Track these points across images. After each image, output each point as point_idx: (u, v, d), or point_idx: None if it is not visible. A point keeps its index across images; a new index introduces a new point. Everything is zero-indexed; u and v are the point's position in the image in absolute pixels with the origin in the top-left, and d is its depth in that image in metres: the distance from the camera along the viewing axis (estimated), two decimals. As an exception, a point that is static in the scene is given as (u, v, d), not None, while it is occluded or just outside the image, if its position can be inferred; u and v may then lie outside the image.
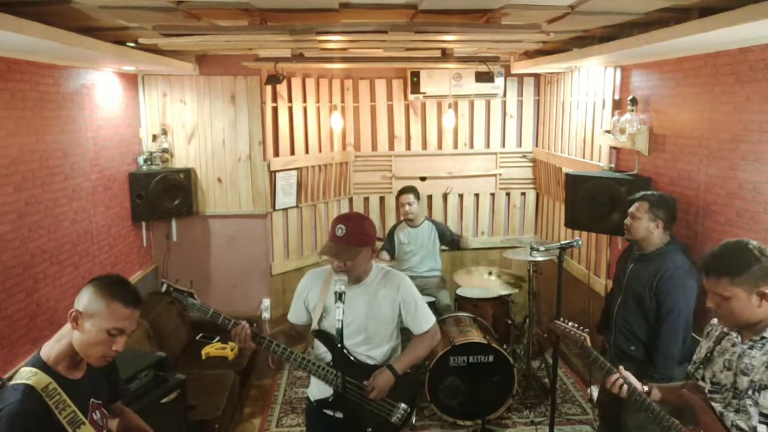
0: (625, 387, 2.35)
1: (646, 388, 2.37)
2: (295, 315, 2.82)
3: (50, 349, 1.89)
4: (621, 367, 2.40)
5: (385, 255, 5.11)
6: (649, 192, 3.35)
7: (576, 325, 2.67)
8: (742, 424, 2.01)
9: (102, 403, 2.03)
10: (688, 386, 2.30)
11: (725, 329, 2.17)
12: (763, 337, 2.00)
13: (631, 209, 3.24)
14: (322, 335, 2.68)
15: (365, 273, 2.68)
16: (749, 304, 1.95)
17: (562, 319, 2.74)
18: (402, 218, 5.27)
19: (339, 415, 2.68)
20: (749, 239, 2.03)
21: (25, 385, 1.79)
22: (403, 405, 2.72)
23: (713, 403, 2.13)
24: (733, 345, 2.10)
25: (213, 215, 5.30)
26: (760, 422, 1.96)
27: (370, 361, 2.69)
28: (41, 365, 1.85)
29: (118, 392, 2.22)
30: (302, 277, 2.87)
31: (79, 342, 1.86)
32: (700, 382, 2.23)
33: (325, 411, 2.70)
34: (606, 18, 3.08)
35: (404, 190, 5.14)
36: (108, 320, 1.84)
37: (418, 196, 5.14)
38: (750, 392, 1.99)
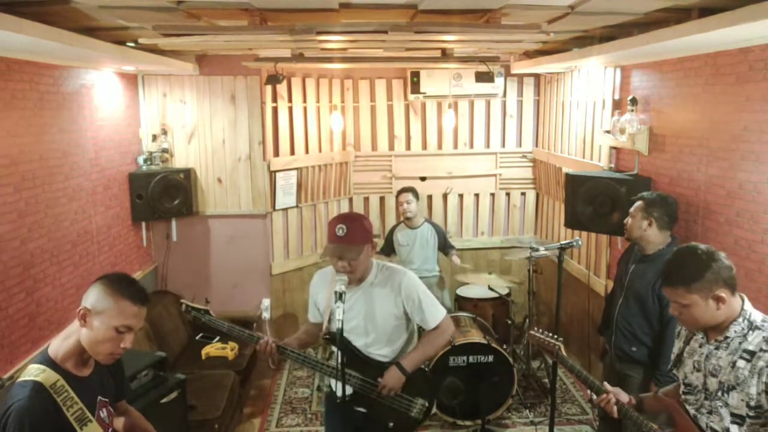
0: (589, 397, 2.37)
1: (634, 401, 2.38)
2: (312, 315, 2.92)
3: (58, 346, 1.90)
4: (605, 383, 2.42)
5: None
6: (649, 192, 3.37)
7: (550, 334, 2.68)
8: (716, 426, 2.03)
9: (109, 401, 2.04)
10: (674, 387, 2.32)
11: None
12: (726, 337, 2.03)
13: (631, 209, 3.29)
14: (332, 337, 2.70)
15: (366, 272, 2.68)
16: (707, 308, 2.00)
17: (536, 328, 2.79)
18: (401, 218, 5.27)
19: (361, 409, 2.72)
20: (699, 244, 2.08)
21: (34, 382, 1.80)
22: (420, 400, 2.76)
23: (686, 405, 2.16)
24: (701, 346, 2.13)
25: (213, 215, 5.30)
26: (732, 422, 1.98)
27: (383, 359, 2.72)
28: (49, 362, 1.86)
29: (124, 391, 2.23)
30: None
31: (87, 339, 1.87)
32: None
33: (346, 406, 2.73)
34: (606, 18, 3.08)
35: (403, 190, 5.16)
36: (116, 318, 1.85)
37: (417, 196, 5.14)
38: (720, 393, 2.02)
